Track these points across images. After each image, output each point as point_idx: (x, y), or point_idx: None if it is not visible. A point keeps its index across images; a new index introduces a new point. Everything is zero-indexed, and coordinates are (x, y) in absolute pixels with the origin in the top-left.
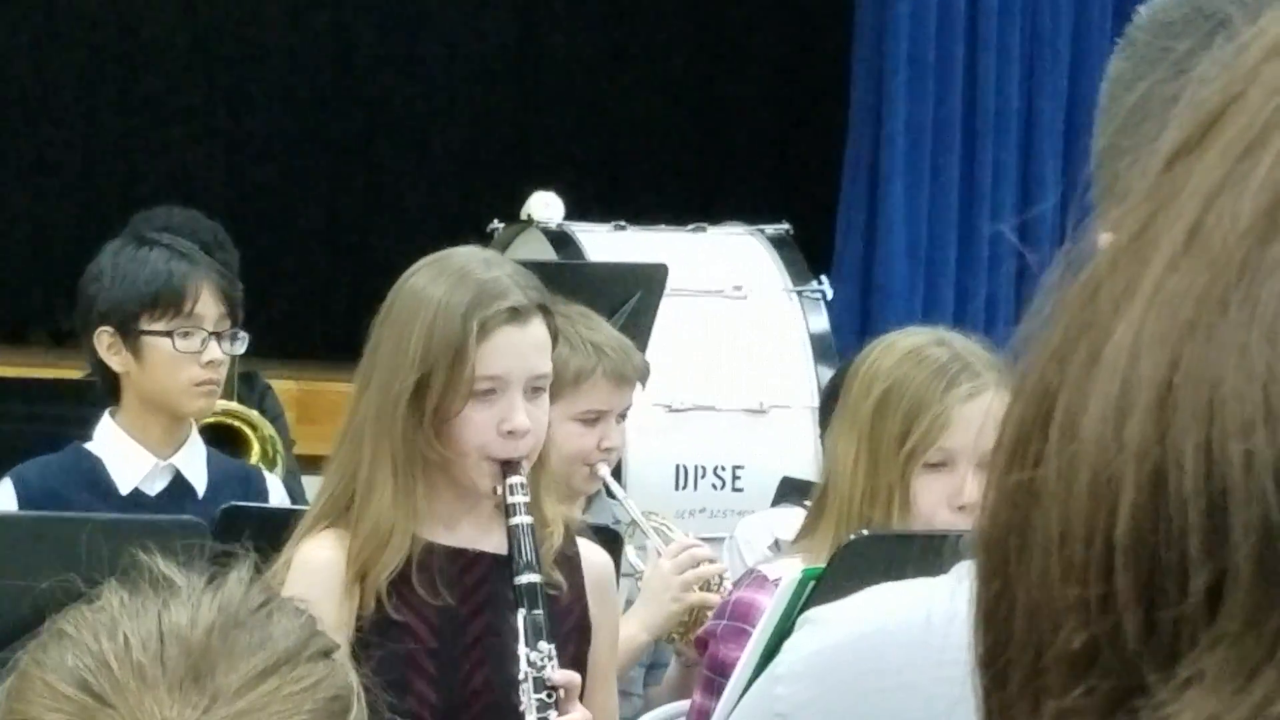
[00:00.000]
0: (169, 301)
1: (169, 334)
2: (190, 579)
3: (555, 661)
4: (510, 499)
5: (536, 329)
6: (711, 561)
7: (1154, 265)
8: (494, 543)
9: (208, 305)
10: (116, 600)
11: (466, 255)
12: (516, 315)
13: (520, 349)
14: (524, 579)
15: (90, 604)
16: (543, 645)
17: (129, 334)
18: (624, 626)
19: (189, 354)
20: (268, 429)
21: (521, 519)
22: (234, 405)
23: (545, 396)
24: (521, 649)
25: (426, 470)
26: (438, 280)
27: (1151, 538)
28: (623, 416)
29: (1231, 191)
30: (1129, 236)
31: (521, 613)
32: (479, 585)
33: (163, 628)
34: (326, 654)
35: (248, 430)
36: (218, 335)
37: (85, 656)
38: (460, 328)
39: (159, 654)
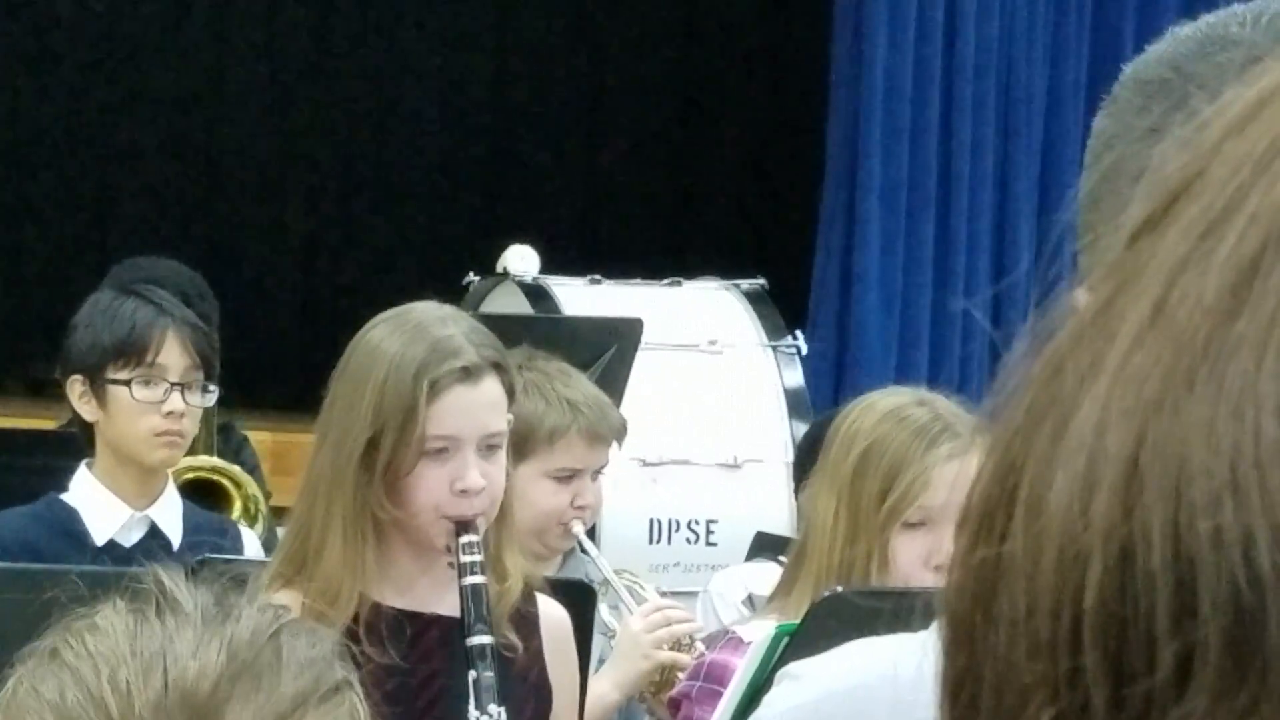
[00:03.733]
0: (132, 350)
1: (129, 383)
2: (200, 602)
3: None
4: (463, 558)
5: (490, 387)
6: (685, 621)
7: (1119, 341)
8: (449, 605)
9: (172, 356)
10: (121, 627)
11: (423, 311)
12: (468, 375)
13: (472, 409)
14: (475, 640)
15: (91, 625)
16: (492, 708)
17: (96, 383)
18: (595, 685)
19: (149, 403)
20: (252, 488)
21: (474, 579)
22: (221, 462)
23: (502, 453)
24: (471, 711)
25: (382, 530)
26: (393, 336)
27: (1119, 613)
28: (598, 474)
29: (1196, 269)
30: (1093, 312)
31: (472, 674)
32: (433, 649)
33: (168, 676)
34: (337, 689)
35: (232, 488)
36: (184, 386)
37: (85, 699)
38: (411, 387)
39: (161, 704)
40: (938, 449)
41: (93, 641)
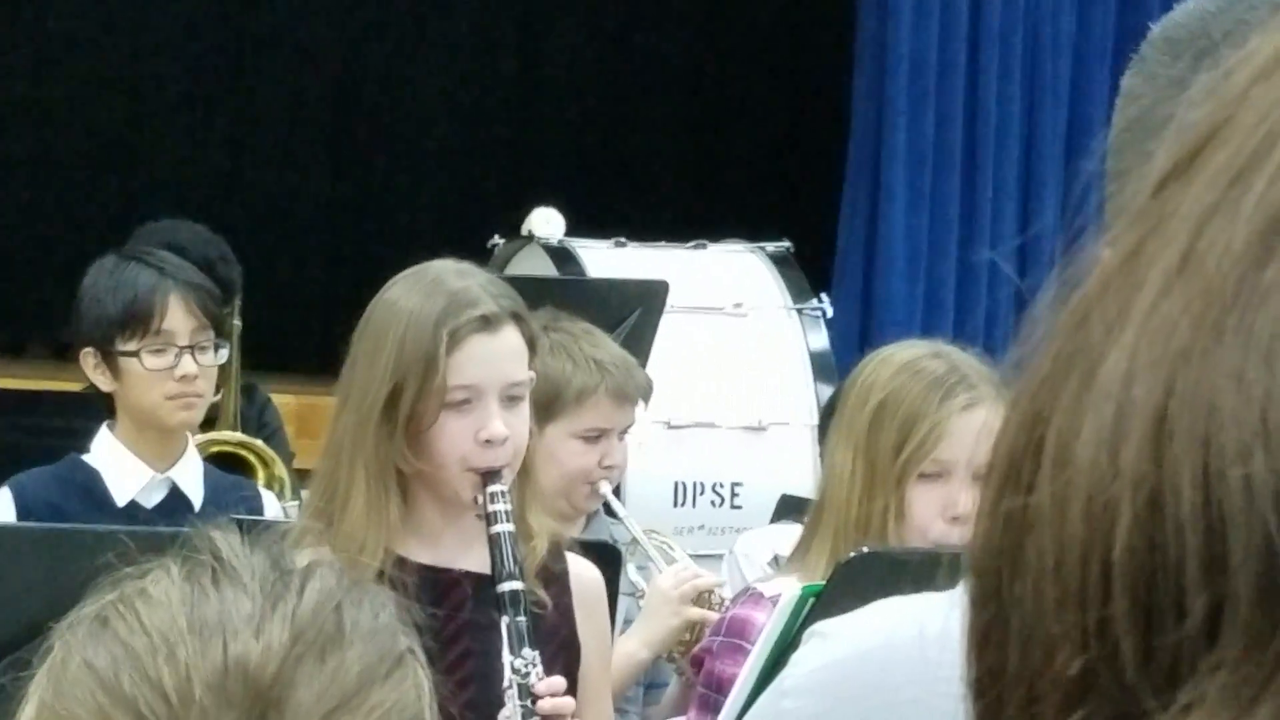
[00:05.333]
0: (137, 321)
1: (138, 353)
2: (257, 569)
3: (540, 669)
4: (491, 507)
5: (509, 337)
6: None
7: (1146, 290)
8: (477, 560)
9: (177, 319)
10: (177, 597)
11: (440, 267)
12: (487, 323)
13: (492, 357)
14: (506, 586)
15: (143, 593)
16: (527, 652)
17: (108, 355)
18: (624, 644)
19: (161, 371)
20: (279, 466)
21: (502, 527)
22: (247, 438)
23: (525, 405)
24: (506, 656)
25: (408, 485)
26: (411, 292)
27: (1149, 563)
28: (624, 434)
29: (1224, 216)
30: (1119, 261)
31: (505, 620)
32: (462, 603)
33: (229, 655)
34: (400, 661)
35: (258, 465)
36: (193, 348)
37: (140, 679)
38: (430, 337)
39: (221, 685)
40: (953, 400)
41: (147, 613)
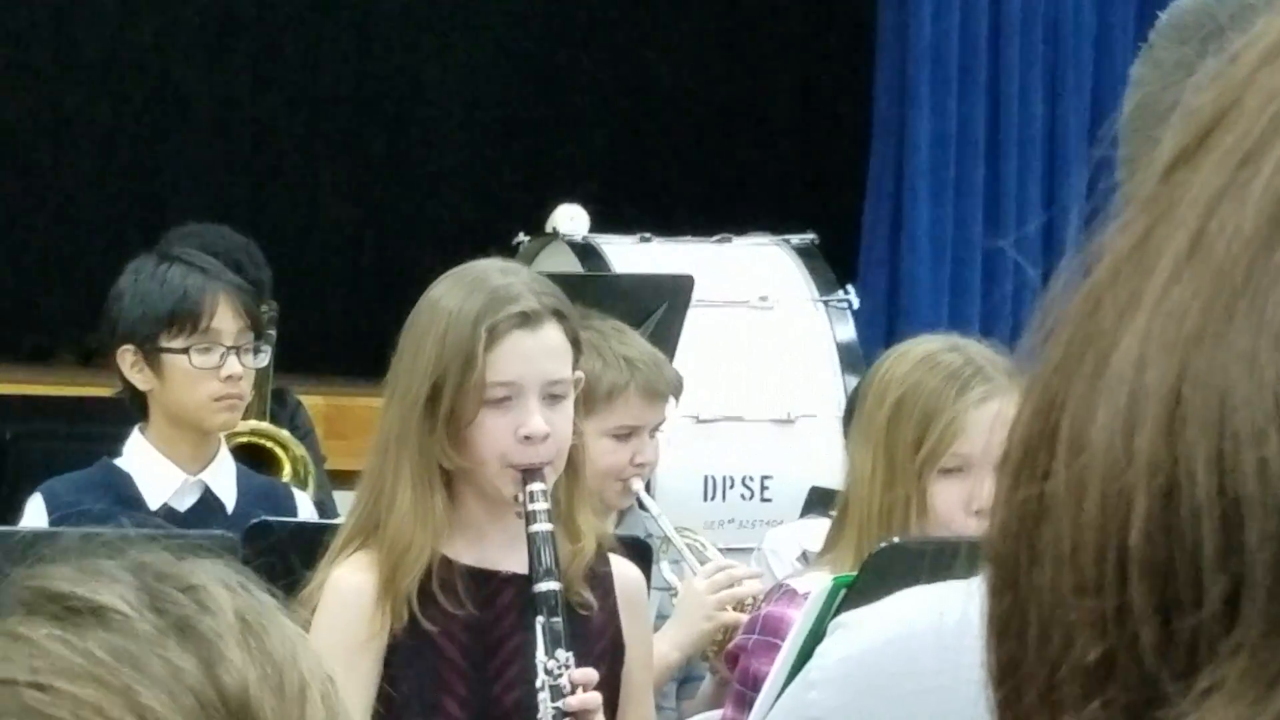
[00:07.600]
0: (185, 318)
1: (186, 350)
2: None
3: (572, 670)
4: (530, 506)
5: (550, 334)
6: (750, 577)
7: (1157, 275)
8: (522, 561)
9: (225, 320)
10: None
11: (485, 265)
12: (527, 320)
13: (532, 354)
14: (542, 586)
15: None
16: (560, 653)
17: (149, 352)
18: (657, 644)
19: (207, 369)
20: (299, 449)
21: (541, 527)
22: (266, 425)
23: (568, 404)
24: (540, 656)
25: (454, 482)
26: (453, 291)
27: (1165, 548)
28: (655, 430)
29: (1233, 199)
30: (1129, 246)
31: (540, 620)
32: (509, 607)
33: None
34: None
35: (279, 451)
36: (238, 349)
37: None
38: (470, 334)
39: None
40: (970, 393)
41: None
